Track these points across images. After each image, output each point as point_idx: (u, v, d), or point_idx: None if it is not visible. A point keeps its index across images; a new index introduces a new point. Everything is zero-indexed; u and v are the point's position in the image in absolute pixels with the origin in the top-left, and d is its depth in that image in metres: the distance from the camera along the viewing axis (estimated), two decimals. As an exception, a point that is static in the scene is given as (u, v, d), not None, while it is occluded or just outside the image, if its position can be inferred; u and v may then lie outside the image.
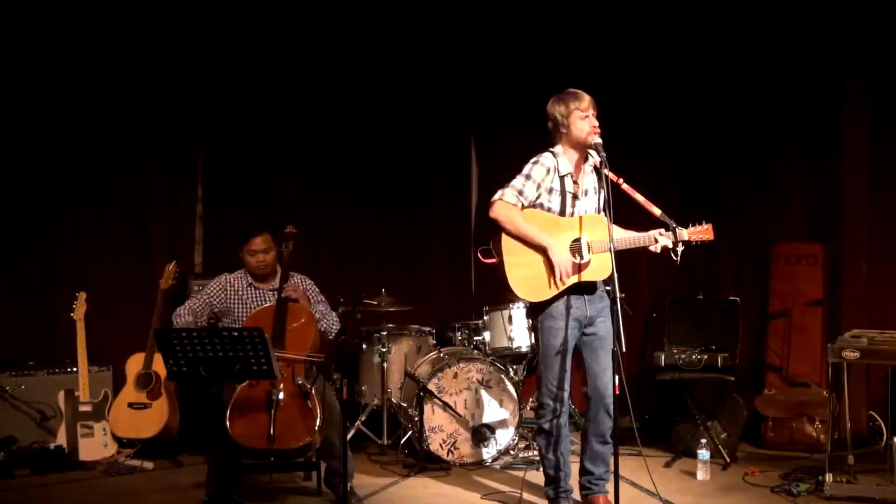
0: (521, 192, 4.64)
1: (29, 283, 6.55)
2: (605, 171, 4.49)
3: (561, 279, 4.57)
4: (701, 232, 4.60)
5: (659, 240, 4.60)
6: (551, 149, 4.70)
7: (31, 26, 6.39)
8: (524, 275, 4.64)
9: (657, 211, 4.55)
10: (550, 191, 4.68)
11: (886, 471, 5.17)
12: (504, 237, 4.65)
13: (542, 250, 4.61)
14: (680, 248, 4.58)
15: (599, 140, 4.54)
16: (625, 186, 4.58)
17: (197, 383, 5.53)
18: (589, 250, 4.59)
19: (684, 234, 4.59)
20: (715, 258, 6.64)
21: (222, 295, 5.37)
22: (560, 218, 4.67)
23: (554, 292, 4.64)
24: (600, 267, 4.60)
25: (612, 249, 4.41)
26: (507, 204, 4.63)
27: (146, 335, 5.89)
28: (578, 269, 4.61)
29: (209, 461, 5.09)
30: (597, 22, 6.65)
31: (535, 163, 4.68)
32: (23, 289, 6.54)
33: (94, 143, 6.61)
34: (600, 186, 4.69)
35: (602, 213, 4.63)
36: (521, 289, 4.66)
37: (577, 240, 4.61)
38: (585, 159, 4.68)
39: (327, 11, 6.69)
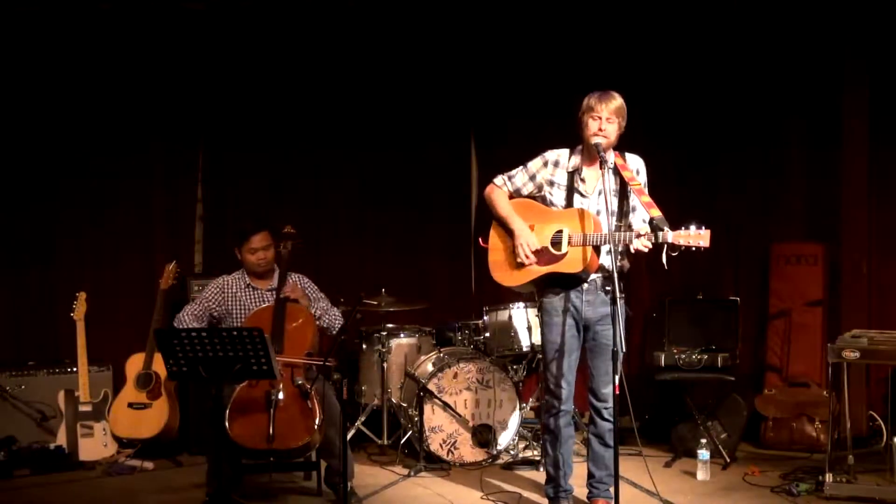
0: (510, 178, 4.81)
1: (29, 283, 6.55)
2: (604, 172, 4.48)
3: (523, 257, 4.62)
4: (691, 236, 4.33)
5: (635, 242, 4.42)
6: (576, 145, 4.74)
7: (32, 26, 6.40)
8: (497, 258, 4.78)
9: (655, 213, 4.43)
10: (552, 184, 4.71)
11: (886, 471, 5.17)
12: (493, 223, 4.82)
13: (513, 235, 4.70)
14: (666, 252, 4.38)
15: (600, 141, 4.53)
16: (634, 188, 4.54)
17: (197, 383, 5.53)
18: (569, 242, 4.58)
19: (669, 236, 4.35)
20: (715, 258, 6.63)
21: (220, 297, 5.37)
22: (551, 210, 4.70)
23: (522, 278, 4.69)
24: (577, 259, 4.56)
25: (613, 251, 4.40)
26: (493, 186, 4.84)
27: (146, 335, 5.89)
28: (553, 259, 4.61)
29: (209, 461, 5.09)
30: (597, 19, 6.64)
31: (540, 155, 4.77)
32: (23, 289, 6.54)
33: (95, 143, 6.61)
34: (622, 190, 4.64)
35: (599, 214, 4.60)
36: (495, 271, 4.79)
37: (560, 231, 4.62)
38: (603, 161, 4.55)
39: (327, 11, 6.69)
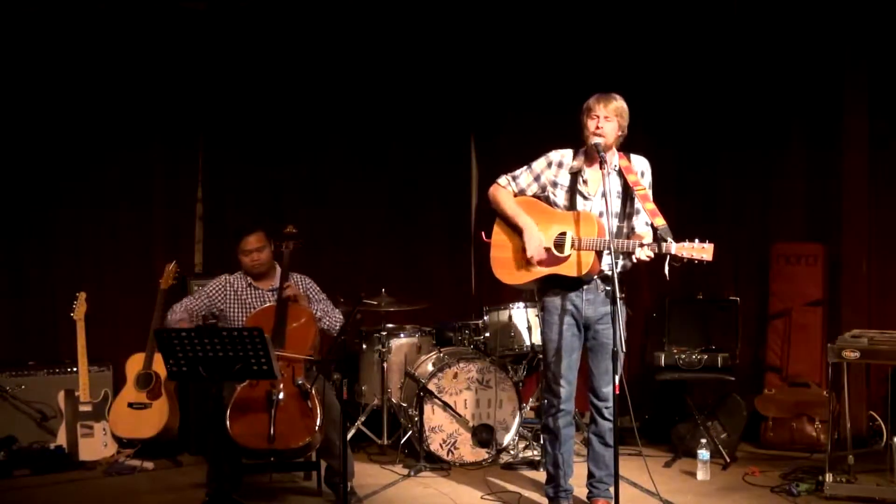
0: (514, 178, 4.80)
1: (29, 283, 6.54)
2: (605, 173, 4.48)
3: (530, 262, 4.64)
4: (694, 249, 4.35)
5: (637, 252, 4.44)
6: (580, 146, 4.74)
7: (32, 26, 6.39)
8: (501, 256, 4.78)
9: (660, 222, 4.44)
10: (556, 185, 4.72)
11: (886, 471, 5.16)
12: (497, 219, 4.82)
13: (520, 233, 4.69)
14: (669, 263, 4.39)
15: (598, 141, 4.54)
16: (639, 193, 4.56)
17: (197, 383, 5.53)
18: (572, 246, 4.58)
19: (672, 247, 4.37)
20: (715, 258, 6.61)
21: (222, 295, 5.38)
22: (555, 210, 4.70)
23: (524, 278, 4.71)
24: (580, 263, 4.57)
25: (613, 251, 4.39)
26: (497, 186, 4.82)
27: (146, 335, 5.90)
28: (556, 261, 4.62)
29: (209, 461, 5.09)
30: (597, 21, 6.64)
31: (544, 155, 4.78)
32: (23, 289, 6.53)
33: (95, 143, 6.61)
34: (624, 192, 4.66)
35: (602, 216, 4.59)
36: (497, 269, 4.80)
37: (564, 233, 4.62)
38: (603, 162, 4.54)
39: (328, 12, 6.69)
